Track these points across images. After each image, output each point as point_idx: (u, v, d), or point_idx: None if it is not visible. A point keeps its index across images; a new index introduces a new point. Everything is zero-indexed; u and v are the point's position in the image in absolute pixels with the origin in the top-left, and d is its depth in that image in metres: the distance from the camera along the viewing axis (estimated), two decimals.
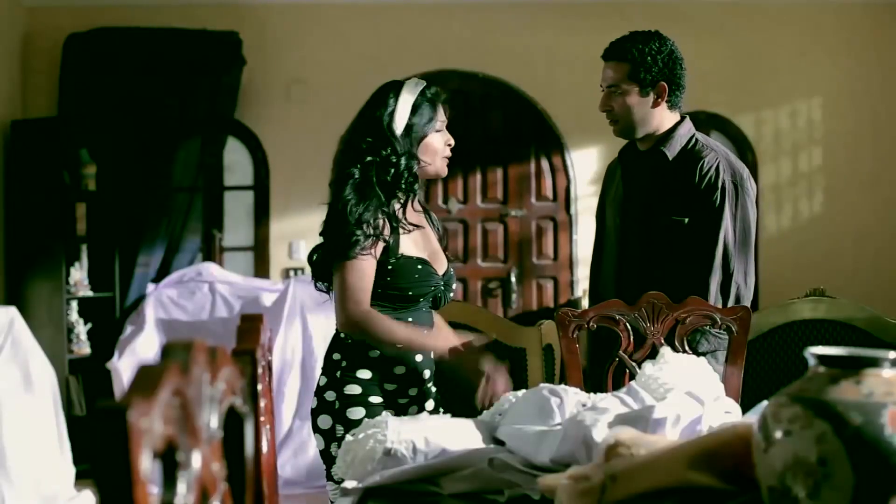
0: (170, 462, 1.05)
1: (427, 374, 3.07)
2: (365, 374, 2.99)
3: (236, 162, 7.60)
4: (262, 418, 1.53)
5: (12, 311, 5.44)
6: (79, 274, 6.84)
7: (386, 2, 7.52)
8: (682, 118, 3.41)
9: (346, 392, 2.99)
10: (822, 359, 1.52)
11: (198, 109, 7.12)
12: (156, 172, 7.10)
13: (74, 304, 6.84)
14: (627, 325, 2.97)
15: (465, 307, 3.97)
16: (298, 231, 7.39)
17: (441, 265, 3.10)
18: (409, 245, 3.02)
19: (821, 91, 7.63)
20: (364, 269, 2.93)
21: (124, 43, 7.12)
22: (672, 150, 3.33)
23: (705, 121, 7.56)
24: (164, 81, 7.09)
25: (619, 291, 3.37)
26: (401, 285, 2.98)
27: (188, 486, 1.07)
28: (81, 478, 5.82)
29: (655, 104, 3.33)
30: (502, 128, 7.67)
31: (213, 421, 1.20)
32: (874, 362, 1.49)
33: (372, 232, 2.91)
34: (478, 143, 7.63)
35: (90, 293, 6.90)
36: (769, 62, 7.59)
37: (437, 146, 3.06)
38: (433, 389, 3.14)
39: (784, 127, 7.62)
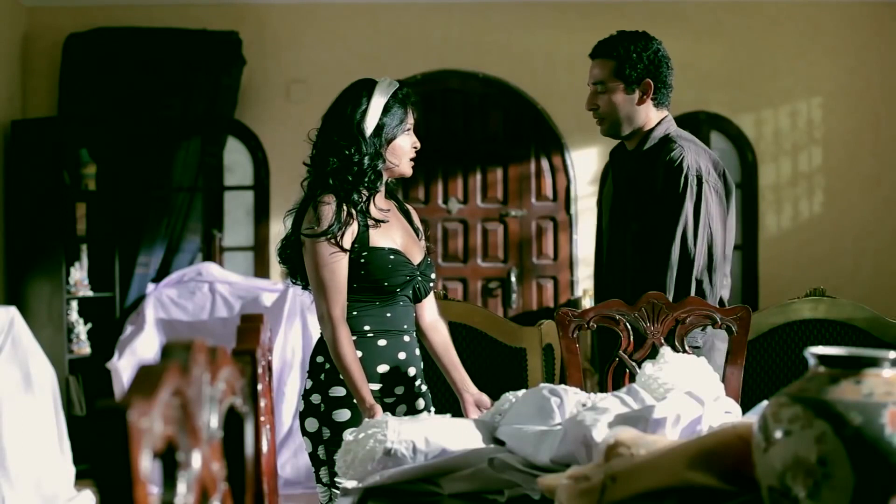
0: (170, 462, 1.05)
1: (412, 371, 3.08)
2: None
3: (236, 162, 7.61)
4: (262, 418, 1.53)
5: (12, 311, 5.45)
6: (79, 274, 6.85)
7: (386, 2, 7.52)
8: (666, 116, 3.42)
9: (331, 394, 3.01)
10: (822, 359, 1.52)
11: (198, 109, 7.13)
12: (156, 172, 7.11)
13: (74, 303, 6.84)
14: (627, 324, 2.97)
15: (465, 307, 3.97)
16: None
17: (416, 256, 3.11)
18: (379, 237, 3.04)
19: (821, 91, 7.63)
20: (335, 268, 2.97)
21: (124, 43, 7.12)
22: (646, 147, 3.37)
23: (705, 120, 7.57)
24: (163, 81, 7.09)
25: (605, 291, 3.41)
26: (375, 277, 3.00)
27: (188, 486, 1.07)
28: (81, 478, 5.82)
29: (641, 101, 3.35)
30: (502, 128, 7.67)
31: (213, 421, 1.20)
32: (874, 362, 1.49)
33: (338, 226, 2.96)
34: (478, 143, 7.63)
35: (90, 293, 6.90)
36: (769, 62, 7.58)
37: (405, 148, 3.09)
38: (423, 388, 3.14)
39: (784, 127, 7.62)
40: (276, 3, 7.46)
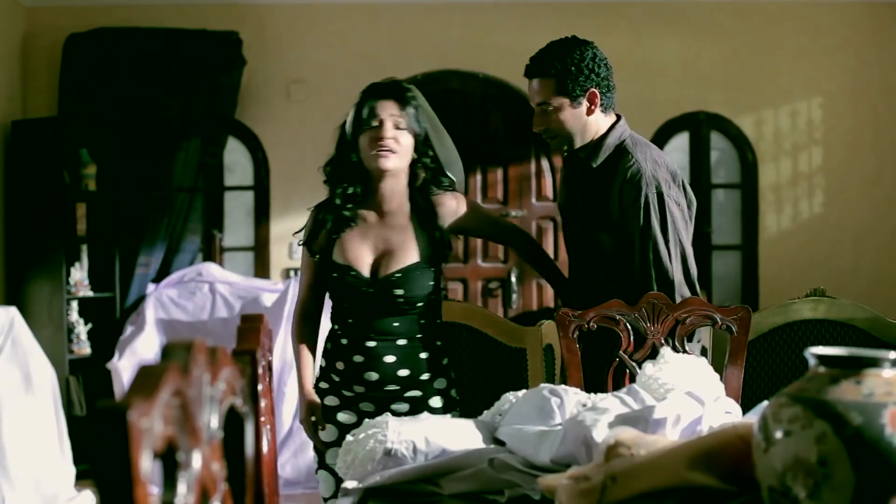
0: (170, 462, 1.05)
1: (374, 376, 3.11)
2: (322, 361, 3.26)
3: (236, 162, 7.60)
4: (262, 418, 1.53)
5: (13, 311, 5.45)
6: (79, 274, 6.85)
7: (386, 2, 7.52)
8: (618, 119, 3.30)
9: (320, 386, 3.25)
10: (822, 359, 1.52)
11: (198, 109, 7.12)
12: (156, 172, 7.10)
13: (75, 304, 6.84)
14: (628, 325, 2.97)
15: (465, 307, 3.96)
16: None
17: (389, 268, 3.12)
18: (343, 248, 3.16)
19: (821, 91, 7.63)
20: (305, 272, 3.27)
21: (124, 43, 7.12)
22: (598, 160, 3.25)
23: (705, 121, 7.57)
24: (164, 82, 7.09)
25: (571, 296, 3.36)
26: (335, 298, 3.21)
27: (188, 486, 1.07)
28: (81, 478, 5.82)
29: (589, 112, 3.23)
30: (502, 128, 7.67)
31: (213, 421, 1.20)
32: (874, 362, 1.49)
33: (306, 233, 3.22)
34: (478, 144, 7.63)
35: (90, 293, 6.90)
36: (769, 62, 7.59)
37: (363, 145, 3.14)
38: (415, 393, 3.14)
39: (784, 127, 7.62)
40: (276, 3, 7.46)
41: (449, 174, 3.24)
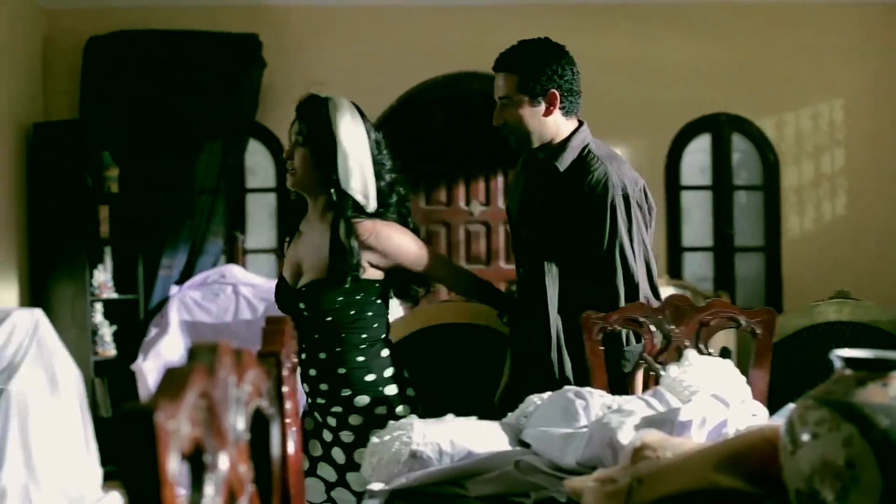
0: (197, 464, 1.06)
1: (305, 388, 3.15)
2: None
3: (258, 164, 7.63)
4: (287, 420, 1.54)
5: (37, 313, 5.48)
6: (103, 276, 6.87)
7: (405, 4, 7.52)
8: (580, 124, 3.29)
9: None
10: (848, 361, 1.51)
11: (219, 112, 7.14)
12: (178, 175, 7.12)
13: (99, 306, 6.87)
14: (651, 327, 2.96)
15: (485, 308, 3.96)
16: None
17: (302, 279, 3.12)
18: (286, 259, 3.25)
19: (842, 92, 7.60)
20: None
21: (145, 46, 7.15)
22: (563, 163, 3.21)
23: (727, 122, 7.54)
24: (184, 84, 7.11)
25: (521, 299, 3.30)
26: None
27: (216, 487, 1.08)
28: (108, 479, 5.85)
29: (548, 112, 3.23)
30: None
31: (239, 423, 1.20)
32: None
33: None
34: (499, 145, 7.61)
35: (114, 295, 6.93)
36: (790, 64, 7.56)
37: None
38: (335, 409, 3.10)
39: (806, 128, 7.59)
40: (295, 5, 7.47)
41: (355, 193, 3.09)
